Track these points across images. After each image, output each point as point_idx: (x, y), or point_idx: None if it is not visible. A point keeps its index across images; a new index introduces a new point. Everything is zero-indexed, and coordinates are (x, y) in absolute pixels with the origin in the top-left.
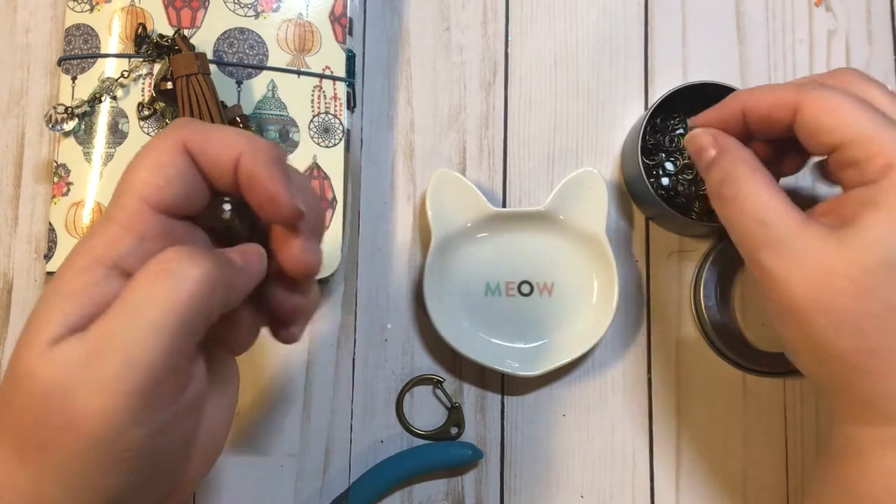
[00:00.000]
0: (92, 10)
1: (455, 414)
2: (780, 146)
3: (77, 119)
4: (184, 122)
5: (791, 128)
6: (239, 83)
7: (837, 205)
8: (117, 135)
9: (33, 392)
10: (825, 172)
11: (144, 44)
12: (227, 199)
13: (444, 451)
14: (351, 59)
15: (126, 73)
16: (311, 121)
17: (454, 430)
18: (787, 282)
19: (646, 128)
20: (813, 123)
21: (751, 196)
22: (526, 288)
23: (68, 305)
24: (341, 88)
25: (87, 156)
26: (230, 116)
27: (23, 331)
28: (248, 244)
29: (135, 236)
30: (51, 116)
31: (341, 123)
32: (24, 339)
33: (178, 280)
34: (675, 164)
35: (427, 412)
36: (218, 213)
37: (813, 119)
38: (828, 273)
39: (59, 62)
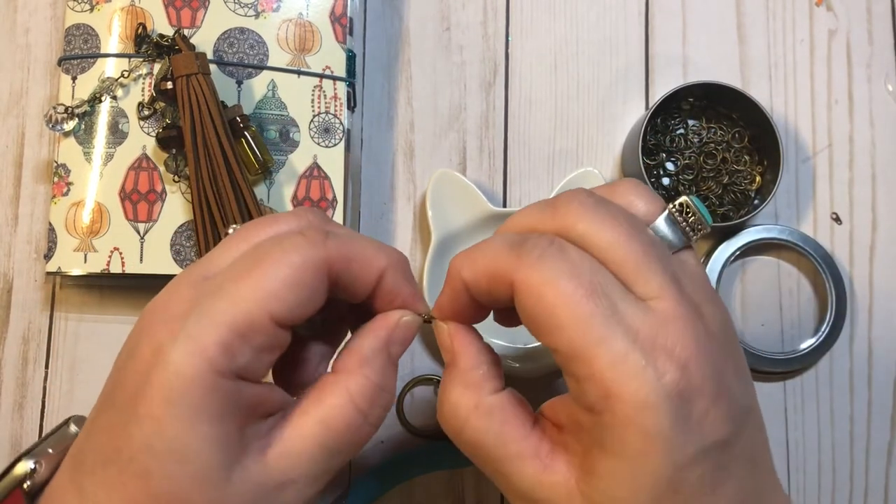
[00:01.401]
0: (92, 9)
1: None
2: None
3: (77, 119)
4: (320, 230)
5: (511, 300)
6: (239, 83)
7: (569, 419)
8: (117, 134)
9: None
10: (502, 319)
11: (144, 44)
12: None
13: (444, 451)
14: (351, 59)
15: (126, 73)
16: (312, 121)
17: None
18: None
19: (646, 128)
20: (528, 316)
21: (475, 444)
22: None
23: (208, 424)
24: (341, 88)
25: (87, 156)
26: (230, 116)
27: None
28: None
29: (253, 349)
30: (51, 116)
31: (341, 123)
32: (184, 469)
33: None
34: (675, 164)
35: (427, 412)
36: (315, 319)
37: (528, 310)
38: None
39: (59, 62)
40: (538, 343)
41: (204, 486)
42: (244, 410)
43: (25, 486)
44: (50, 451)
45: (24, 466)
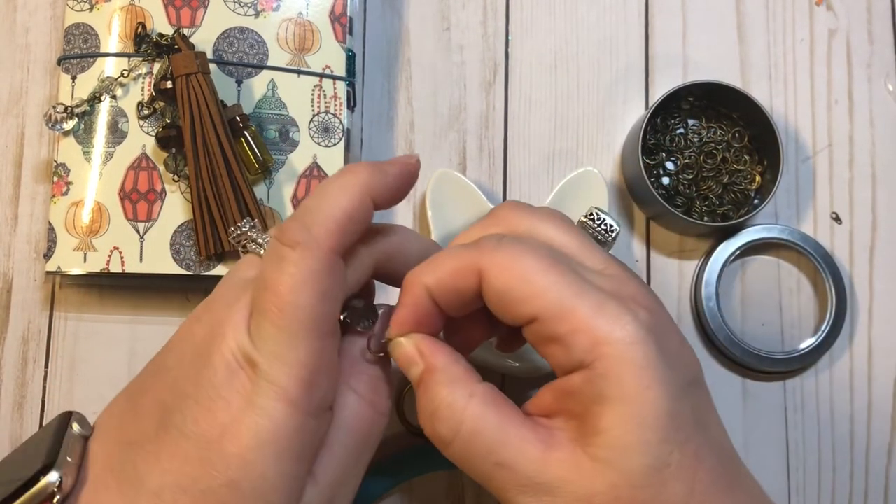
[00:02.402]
0: (91, 9)
1: None
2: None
3: (77, 118)
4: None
5: (476, 293)
6: (239, 82)
7: (559, 398)
8: (117, 134)
9: None
10: (502, 344)
11: (144, 43)
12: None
13: None
14: (351, 58)
15: (126, 73)
16: (311, 120)
17: None
18: None
19: (646, 127)
20: (501, 292)
21: (475, 435)
22: None
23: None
24: (341, 88)
25: (87, 155)
26: (230, 116)
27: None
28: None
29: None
30: (50, 116)
31: (341, 123)
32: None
33: None
34: (675, 164)
35: None
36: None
37: (500, 287)
38: (595, 500)
39: (59, 61)
40: None
41: None
42: (319, 442)
43: (55, 501)
44: (69, 459)
45: (51, 479)
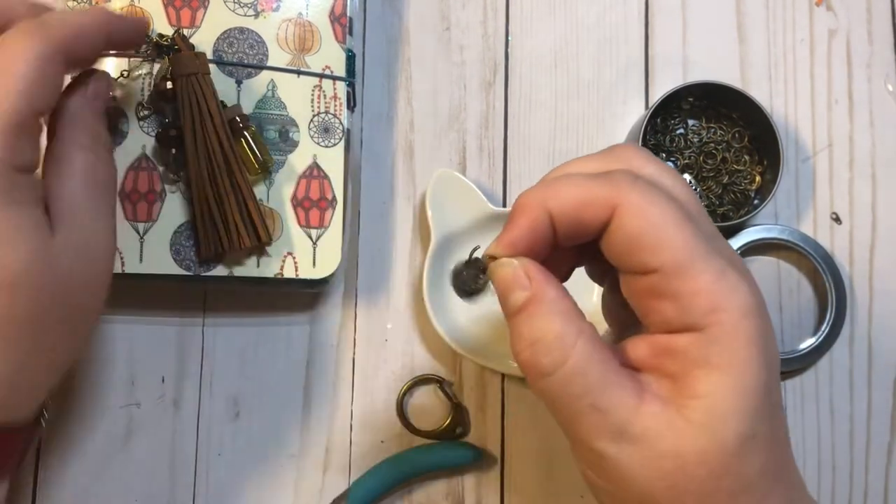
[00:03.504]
0: None
1: (458, 414)
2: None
3: None
4: (36, 22)
5: (602, 231)
6: (239, 83)
7: (656, 354)
8: (117, 134)
9: None
10: (593, 274)
11: (144, 44)
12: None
13: (445, 452)
14: (351, 58)
15: (126, 73)
16: (311, 120)
17: (459, 430)
18: (635, 473)
19: (646, 128)
20: (632, 235)
21: (578, 373)
22: None
23: None
24: (341, 88)
25: None
26: (230, 116)
27: None
28: None
29: (29, 143)
30: None
31: (341, 123)
32: (17, 249)
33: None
34: (675, 164)
35: (427, 412)
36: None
37: (632, 229)
38: (681, 460)
39: None
40: None
41: (37, 261)
42: (37, 198)
43: None
44: None
45: None
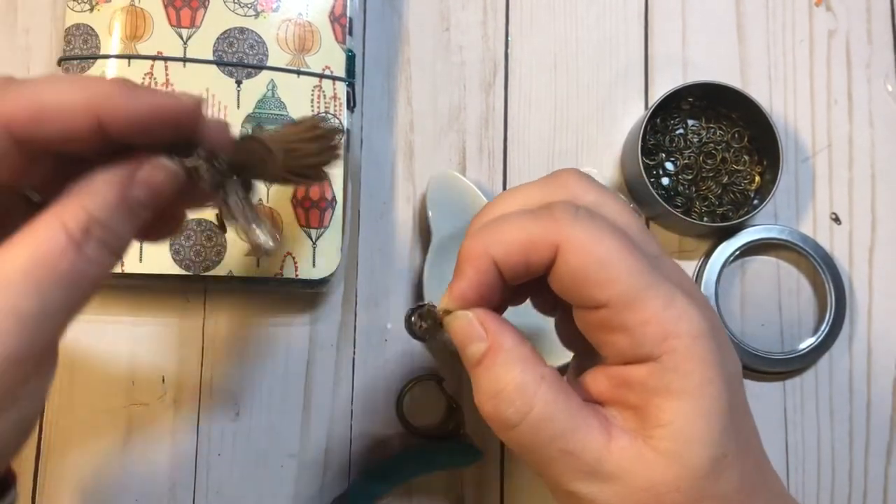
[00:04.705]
0: (92, 10)
1: (458, 414)
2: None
3: None
4: None
5: (548, 268)
6: (238, 83)
7: (615, 386)
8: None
9: None
10: (542, 307)
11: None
12: None
13: (444, 451)
14: (351, 59)
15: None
16: None
17: (459, 430)
18: None
19: (646, 128)
20: (577, 272)
21: (544, 419)
22: None
23: None
24: (341, 88)
25: None
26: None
27: None
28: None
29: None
30: None
31: (341, 123)
32: None
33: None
34: (675, 164)
35: (427, 412)
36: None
37: (576, 267)
38: (655, 491)
39: (59, 62)
40: (538, 342)
41: None
42: None
43: None
44: None
45: None
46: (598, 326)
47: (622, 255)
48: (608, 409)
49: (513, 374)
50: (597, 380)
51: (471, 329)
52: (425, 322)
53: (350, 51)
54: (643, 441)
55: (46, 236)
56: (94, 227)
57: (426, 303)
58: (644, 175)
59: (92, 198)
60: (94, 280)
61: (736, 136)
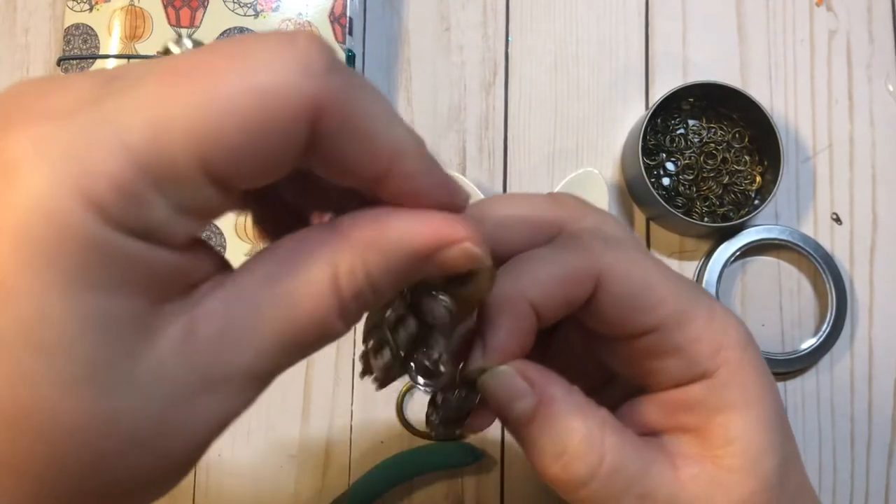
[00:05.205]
0: (91, 9)
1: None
2: None
3: None
4: (323, 55)
5: (582, 304)
6: None
7: (669, 412)
8: None
9: None
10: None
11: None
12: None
13: (444, 452)
14: (351, 59)
15: None
16: None
17: (458, 431)
18: None
19: (646, 128)
20: (623, 300)
21: (617, 470)
22: None
23: None
24: None
25: None
26: None
27: None
28: None
29: (169, 204)
30: None
31: None
32: (49, 366)
33: None
34: (675, 165)
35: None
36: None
37: (622, 294)
38: None
39: (59, 62)
40: None
41: (82, 394)
42: (155, 284)
43: None
44: None
45: None
46: (645, 354)
47: (662, 275)
48: (665, 438)
49: (575, 426)
50: (646, 410)
51: (514, 384)
52: (470, 393)
53: (350, 51)
54: (711, 463)
55: (314, 292)
56: (367, 293)
57: (436, 354)
58: (645, 175)
59: (376, 253)
60: (339, 336)
61: (737, 136)
